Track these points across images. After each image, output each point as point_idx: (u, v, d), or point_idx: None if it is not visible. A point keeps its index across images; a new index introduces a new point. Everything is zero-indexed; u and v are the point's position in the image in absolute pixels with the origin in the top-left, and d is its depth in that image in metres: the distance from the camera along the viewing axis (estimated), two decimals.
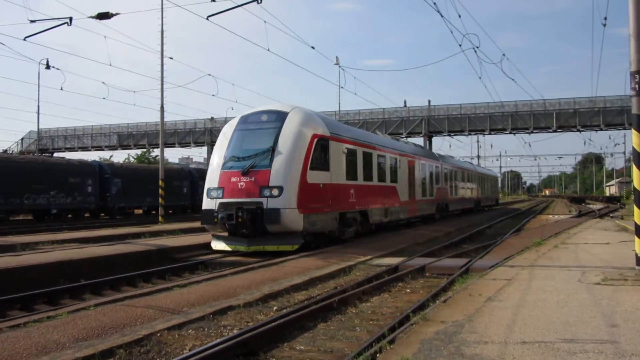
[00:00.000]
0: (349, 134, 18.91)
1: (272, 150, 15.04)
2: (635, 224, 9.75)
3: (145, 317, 7.71)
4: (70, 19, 19.91)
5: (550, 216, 38.32)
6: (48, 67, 38.39)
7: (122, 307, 8.21)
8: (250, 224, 14.48)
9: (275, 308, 8.99)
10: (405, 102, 61.54)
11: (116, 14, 20.93)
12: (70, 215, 35.92)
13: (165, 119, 31.71)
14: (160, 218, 30.12)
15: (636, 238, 9.79)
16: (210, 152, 54.83)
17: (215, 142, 17.38)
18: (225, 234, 15.54)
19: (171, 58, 32.57)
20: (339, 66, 41.76)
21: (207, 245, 16.09)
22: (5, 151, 59.50)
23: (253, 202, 14.62)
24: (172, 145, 66.30)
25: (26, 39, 21.86)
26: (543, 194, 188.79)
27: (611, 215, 36.38)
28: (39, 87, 71.15)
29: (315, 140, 15.79)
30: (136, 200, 40.81)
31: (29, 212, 35.13)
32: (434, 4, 16.58)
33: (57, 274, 12.49)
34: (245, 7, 19.38)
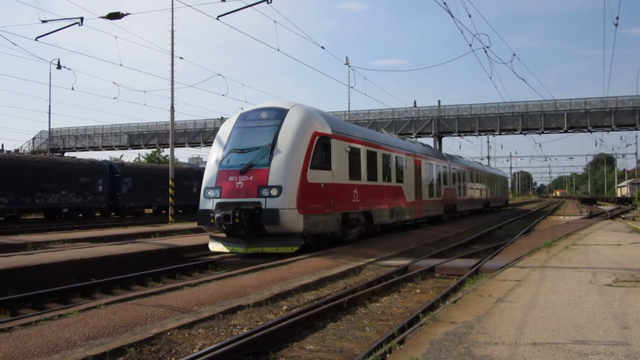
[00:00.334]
0: (352, 133, 18.39)
1: (271, 149, 14.54)
2: None
3: (155, 316, 7.74)
4: (82, 19, 20.01)
5: (561, 217, 38.13)
6: (59, 67, 38.61)
7: (132, 306, 8.24)
8: (248, 224, 13.98)
9: (284, 308, 8.99)
10: (415, 103, 61.40)
11: (127, 14, 21.02)
12: (81, 215, 36.14)
13: (175, 119, 31.81)
14: (170, 217, 30.23)
15: None
16: None
17: None
18: (223, 235, 15.19)
19: (181, 58, 32.64)
20: (349, 66, 41.77)
21: None
22: (17, 151, 59.90)
23: (251, 202, 14.12)
24: (182, 145, 66.43)
25: (38, 39, 22.00)
26: (554, 194, 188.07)
27: (623, 216, 36.18)
28: (50, 87, 71.18)
29: (317, 138, 15.29)
30: (146, 200, 40.99)
31: (40, 211, 35.38)
32: (444, 3, 16.56)
33: (68, 272, 12.58)
34: (256, 7, 19.42)
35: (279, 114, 15.29)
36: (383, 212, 20.51)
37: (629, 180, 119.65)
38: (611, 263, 11.61)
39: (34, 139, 72.44)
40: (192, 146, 68.14)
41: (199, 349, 6.58)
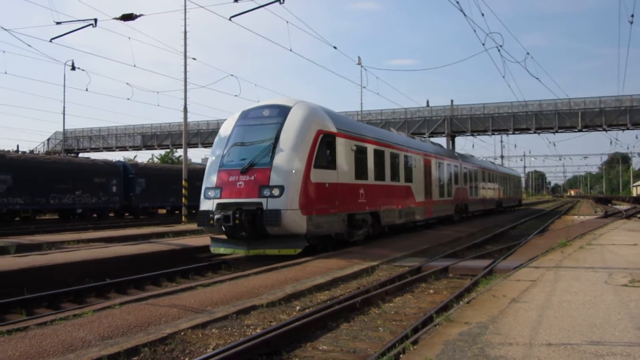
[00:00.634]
0: (358, 131, 17.80)
1: (273, 147, 14.05)
2: None
3: (169, 316, 7.77)
4: (95, 20, 20.12)
5: (576, 217, 37.83)
6: (73, 68, 38.89)
7: (146, 305, 8.29)
8: (249, 226, 13.49)
9: (298, 308, 8.99)
10: (427, 102, 61.24)
11: (140, 16, 21.10)
12: (95, 215, 36.39)
13: (188, 119, 31.96)
14: (183, 218, 30.36)
15: None
16: None
17: None
18: (224, 236, 14.54)
19: (194, 59, 32.92)
20: (361, 66, 41.68)
21: None
22: (31, 151, 60.35)
23: (252, 202, 13.64)
24: (195, 145, 66.65)
25: (52, 40, 22.14)
26: (568, 194, 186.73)
27: (638, 215, 35.82)
28: (64, 88, 71.86)
29: (320, 136, 14.79)
30: (160, 200, 41.18)
31: (55, 212, 35.67)
32: (457, 2, 16.47)
33: (82, 272, 12.67)
34: (268, 8, 19.40)
35: (282, 112, 14.85)
36: (391, 213, 19.99)
37: None
38: (627, 263, 11.51)
39: (48, 139, 73.05)
40: (205, 146, 68.35)
41: (213, 349, 6.60)
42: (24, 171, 30.78)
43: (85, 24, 20.23)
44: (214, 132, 65.58)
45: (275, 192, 13.53)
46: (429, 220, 25.30)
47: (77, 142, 72.44)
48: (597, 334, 5.90)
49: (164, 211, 43.42)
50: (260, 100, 16.31)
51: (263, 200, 13.57)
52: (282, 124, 14.45)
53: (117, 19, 20.94)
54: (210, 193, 14.33)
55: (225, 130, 15.51)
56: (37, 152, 62.21)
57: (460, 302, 8.52)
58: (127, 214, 39.93)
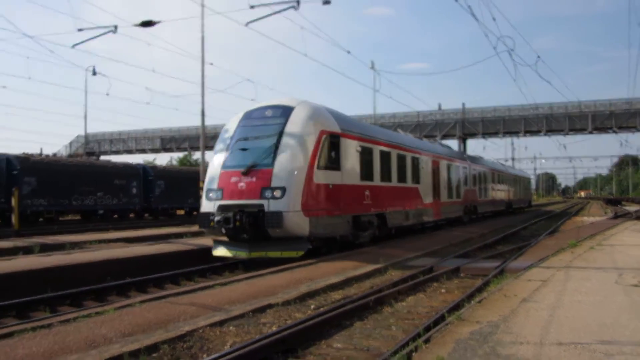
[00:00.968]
0: (363, 131, 17.14)
1: (275, 148, 13.53)
2: None
3: (188, 314, 7.80)
4: (116, 27, 20.31)
5: (586, 218, 37.49)
6: (95, 73, 39.10)
7: (165, 304, 8.34)
8: (250, 228, 13.01)
9: (312, 307, 8.99)
10: (439, 105, 61.11)
11: (159, 22, 21.25)
12: (116, 216, 36.63)
13: (206, 123, 32.01)
14: None
15: None
16: None
17: None
18: (227, 238, 14.11)
19: (211, 64, 33.05)
20: (374, 70, 41.61)
21: None
22: (54, 154, 60.92)
23: (254, 204, 13.11)
24: (212, 148, 66.71)
25: (74, 46, 22.38)
26: (578, 195, 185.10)
27: None
28: (86, 93, 73.04)
29: (324, 137, 14.20)
30: (178, 201, 41.39)
31: (77, 213, 35.94)
32: (469, 7, 16.41)
33: (104, 272, 12.74)
34: (283, 14, 19.46)
35: (284, 112, 14.32)
36: (398, 214, 19.36)
37: None
38: (637, 263, 11.39)
39: (70, 143, 73.71)
40: None
41: (230, 346, 6.62)
42: (48, 174, 31.06)
43: (106, 30, 20.43)
44: None
45: (277, 193, 13.05)
46: (437, 222, 24.81)
47: (99, 145, 73.03)
48: (607, 334, 5.85)
49: (182, 212, 43.60)
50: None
51: (265, 202, 13.08)
52: (284, 125, 13.97)
53: (137, 25, 21.09)
54: (212, 194, 13.88)
55: (228, 130, 15.06)
56: (60, 155, 62.81)
57: (472, 302, 8.48)
58: (146, 215, 40.15)
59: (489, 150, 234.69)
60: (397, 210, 19.29)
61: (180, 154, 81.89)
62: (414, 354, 5.58)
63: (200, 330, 7.15)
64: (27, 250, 15.77)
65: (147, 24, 21.01)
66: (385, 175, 18.34)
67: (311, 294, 9.71)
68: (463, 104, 58.80)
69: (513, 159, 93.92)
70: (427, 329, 7.07)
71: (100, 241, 18.44)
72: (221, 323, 7.55)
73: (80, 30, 20.77)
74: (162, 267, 13.81)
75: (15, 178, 28.99)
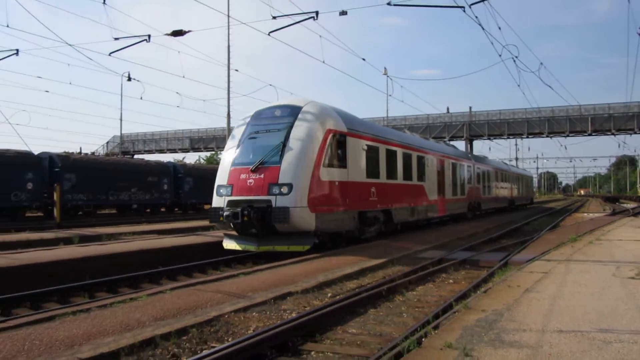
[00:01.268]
0: (370, 131, 16.68)
1: (283, 146, 13.17)
2: None
3: (214, 301, 7.84)
4: (149, 36, 20.41)
5: (585, 214, 37.05)
6: (129, 79, 39.39)
7: (194, 291, 8.39)
8: (258, 223, 12.68)
9: (329, 295, 9.00)
10: (448, 109, 60.70)
11: (188, 32, 21.35)
12: (148, 210, 36.88)
13: (231, 125, 32.18)
14: None
15: None
16: None
17: None
18: (236, 233, 13.84)
19: (237, 70, 33.13)
20: (387, 76, 41.45)
21: None
22: (92, 153, 61.52)
23: (262, 200, 12.81)
24: None
25: (111, 54, 22.54)
26: (578, 193, 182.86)
27: None
28: (121, 97, 73.15)
29: (330, 135, 13.83)
30: (205, 197, 41.18)
31: (113, 207, 36.27)
32: (476, 17, 16.29)
33: (137, 261, 12.86)
34: (303, 24, 19.46)
35: (292, 111, 13.97)
36: (403, 211, 18.85)
37: None
38: (634, 257, 11.24)
39: (107, 143, 74.42)
40: None
41: (253, 330, 6.65)
42: (86, 171, 31.37)
43: (140, 39, 20.53)
44: None
45: (284, 189, 12.72)
46: (442, 218, 24.39)
47: (133, 145, 73.63)
48: (605, 323, 5.79)
49: (209, 207, 43.74)
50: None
51: (272, 198, 12.76)
52: (292, 123, 13.63)
53: (168, 34, 21.22)
54: (222, 190, 13.62)
55: (238, 129, 14.76)
56: (97, 154, 63.42)
57: (478, 292, 8.44)
58: (176, 209, 40.38)
59: (494, 150, 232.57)
60: (403, 206, 18.87)
61: (208, 153, 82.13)
62: (423, 339, 5.57)
63: (226, 316, 7.18)
64: (67, 241, 15.96)
65: (178, 33, 21.13)
66: (391, 172, 17.96)
67: (328, 283, 9.71)
68: (470, 108, 58.53)
69: (517, 158, 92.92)
70: (436, 316, 7.04)
71: (134, 233, 18.60)
72: (245, 309, 7.58)
73: (116, 39, 20.91)
74: (191, 257, 13.88)
75: (57, 175, 29.32)
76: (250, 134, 14.13)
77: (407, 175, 19.45)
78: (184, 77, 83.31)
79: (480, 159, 33.91)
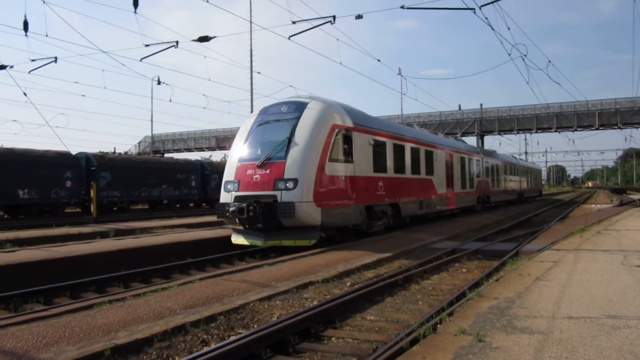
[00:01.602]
0: (376, 126, 16.04)
1: (289, 142, 12.70)
2: None
3: (240, 290, 7.88)
4: (177, 42, 20.49)
5: (593, 205, 36.48)
6: (159, 83, 39.53)
7: (221, 281, 8.43)
8: (264, 218, 12.20)
9: (348, 284, 8.99)
10: (459, 106, 60.12)
11: (214, 37, 21.39)
12: (178, 205, 37.20)
13: None
14: None
15: None
16: None
17: None
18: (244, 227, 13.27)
19: (259, 73, 33.29)
20: (401, 76, 41.23)
21: None
22: (126, 153, 62.18)
23: (268, 195, 12.35)
24: None
25: (142, 60, 22.72)
26: (586, 185, 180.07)
27: None
28: (152, 100, 74.35)
29: (336, 130, 13.33)
30: None
31: (145, 202, 36.61)
32: (486, 18, 16.08)
33: (168, 253, 12.97)
34: (321, 28, 19.39)
35: (298, 108, 13.49)
36: (412, 204, 18.24)
37: None
38: None
39: (139, 142, 75.13)
40: None
41: (277, 318, 6.67)
42: (120, 169, 31.72)
43: (169, 45, 20.63)
44: None
45: (290, 184, 12.24)
46: (453, 211, 23.81)
47: (163, 145, 74.24)
48: (614, 309, 5.69)
49: None
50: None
51: (278, 193, 12.29)
52: (298, 119, 13.14)
53: (194, 40, 21.29)
54: (229, 186, 13.17)
55: (245, 126, 14.25)
56: (130, 154, 64.09)
57: (490, 280, 8.35)
58: (204, 204, 40.63)
59: (505, 145, 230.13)
60: (411, 200, 18.27)
61: None
62: (438, 325, 5.53)
63: (251, 304, 7.22)
64: (103, 235, 16.17)
65: (204, 39, 21.19)
66: (399, 167, 17.38)
67: (347, 273, 9.70)
68: (481, 105, 58.12)
69: (526, 153, 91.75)
70: (450, 304, 7.00)
71: (165, 227, 18.77)
72: (269, 297, 7.61)
73: (147, 45, 21.03)
74: (218, 249, 13.96)
75: (93, 173, 29.71)
76: (257, 130, 13.72)
77: (415, 169, 18.92)
78: (209, 80, 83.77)
79: (489, 153, 33.32)
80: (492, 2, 15.39)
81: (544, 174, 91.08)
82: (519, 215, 25.87)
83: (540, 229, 17.37)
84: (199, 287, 7.87)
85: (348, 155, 13.79)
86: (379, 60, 27.52)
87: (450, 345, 4.52)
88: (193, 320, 6.26)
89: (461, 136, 54.61)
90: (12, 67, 21.20)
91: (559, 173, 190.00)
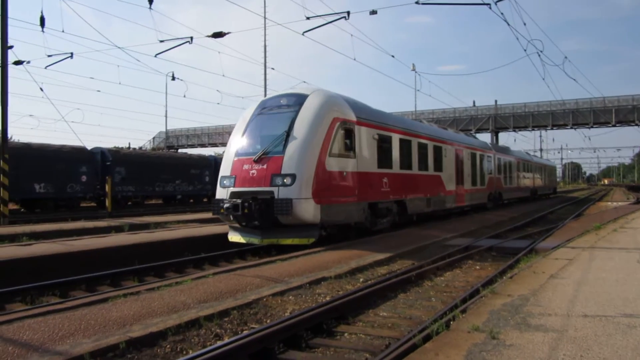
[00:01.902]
0: (382, 120, 15.35)
1: (287, 135, 12.09)
2: None
3: (253, 285, 7.91)
4: (191, 38, 20.61)
5: (609, 203, 36.07)
6: (173, 78, 39.92)
7: (234, 276, 8.46)
8: (260, 215, 11.61)
9: (361, 280, 8.99)
10: (474, 102, 59.75)
11: (228, 33, 21.46)
12: (191, 200, 37.41)
13: None
14: None
15: None
16: None
17: None
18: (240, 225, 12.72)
19: (273, 69, 33.33)
20: (415, 72, 41.02)
21: None
22: (140, 148, 62.64)
23: (264, 191, 11.78)
24: None
25: (157, 55, 22.85)
26: (602, 183, 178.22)
27: None
28: (166, 95, 74.62)
29: (337, 124, 12.67)
30: None
31: (159, 197, 36.91)
32: (502, 14, 15.93)
33: (182, 247, 13.02)
34: (335, 24, 19.36)
35: (298, 100, 12.84)
36: (419, 201, 17.54)
37: None
38: None
39: (153, 138, 75.65)
40: None
41: (290, 313, 6.69)
42: (135, 164, 31.97)
43: (183, 41, 20.75)
44: None
45: (287, 180, 11.66)
46: (463, 208, 23.26)
47: (177, 140, 74.65)
48: (630, 307, 5.63)
49: None
50: None
51: (275, 189, 11.72)
52: (297, 112, 12.50)
53: (209, 36, 21.37)
54: (225, 181, 12.62)
55: (243, 118, 13.65)
56: (144, 149, 64.52)
57: (504, 277, 8.31)
58: None
59: (519, 142, 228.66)
60: (418, 197, 17.58)
61: None
62: (451, 322, 5.51)
63: (264, 299, 7.25)
64: (118, 229, 16.29)
65: (218, 35, 21.26)
66: (405, 163, 16.69)
67: (360, 269, 9.70)
68: (495, 101, 57.77)
69: (541, 149, 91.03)
70: (464, 300, 6.97)
71: (178, 222, 18.86)
72: (282, 293, 7.63)
73: (161, 41, 21.16)
74: (231, 244, 13.96)
75: (108, 168, 29.96)
76: (254, 123, 13.17)
77: (423, 165, 18.30)
78: (223, 75, 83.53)
79: (502, 149, 32.72)
80: None
81: (558, 171, 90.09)
82: (532, 212, 25.66)
83: (555, 227, 17.23)
84: (213, 282, 7.91)
85: (350, 150, 13.22)
86: (393, 56, 27.41)
87: (463, 343, 4.50)
88: (207, 314, 6.30)
89: (475, 132, 54.23)
90: (29, 62, 21.49)
91: (574, 170, 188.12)
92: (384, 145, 15.08)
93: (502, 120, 56.10)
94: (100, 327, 5.67)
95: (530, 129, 58.40)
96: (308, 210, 11.67)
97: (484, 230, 17.02)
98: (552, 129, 56.90)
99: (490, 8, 15.32)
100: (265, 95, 30.48)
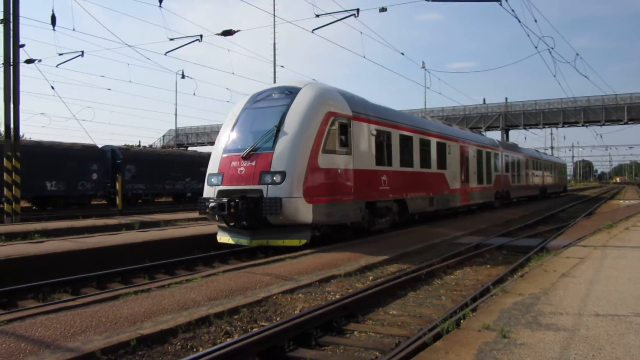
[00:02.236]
0: (380, 115, 14.61)
1: (277, 131, 11.41)
2: None
3: (263, 283, 7.93)
4: (201, 36, 20.63)
5: (621, 201, 35.75)
6: (183, 76, 39.98)
7: (244, 273, 8.48)
8: (248, 214, 11.03)
9: (371, 278, 8.98)
10: (484, 100, 59.42)
11: (238, 31, 21.46)
12: None
13: None
14: None
15: None
16: None
17: None
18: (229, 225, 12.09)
19: (282, 66, 33.17)
20: (425, 69, 40.83)
21: None
22: (150, 146, 62.91)
23: (253, 189, 11.13)
24: None
25: (166, 54, 22.97)
26: (614, 181, 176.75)
27: None
28: (176, 93, 75.00)
29: (331, 119, 11.99)
30: None
31: (169, 195, 37.03)
32: (512, 10, 15.83)
33: (192, 245, 13.07)
34: (344, 21, 19.32)
35: (290, 94, 12.20)
36: (420, 200, 16.84)
37: None
38: None
39: (163, 136, 76.00)
40: None
41: (300, 311, 6.69)
42: (145, 162, 32.11)
43: (193, 39, 20.77)
44: None
45: (277, 178, 10.98)
46: (469, 207, 22.45)
47: (187, 138, 74.91)
48: None
49: None
50: None
51: (264, 187, 11.06)
52: (288, 106, 11.83)
53: (218, 34, 21.39)
54: (213, 179, 12.01)
55: (233, 113, 12.99)
56: (154, 147, 64.82)
57: (515, 276, 8.26)
58: None
59: (530, 140, 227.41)
60: (420, 195, 16.84)
61: None
62: (462, 321, 5.49)
63: (274, 297, 7.26)
64: (129, 227, 16.38)
65: (228, 33, 21.26)
66: (406, 160, 15.98)
67: (370, 267, 9.69)
68: (506, 99, 57.09)
69: (552, 147, 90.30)
70: (474, 299, 6.94)
71: (188, 219, 18.92)
72: (292, 291, 7.64)
73: (171, 39, 21.21)
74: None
75: (118, 166, 30.13)
76: (244, 118, 12.50)
77: (426, 162, 17.57)
78: (233, 73, 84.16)
79: (510, 147, 31.99)
80: None
81: (569, 169, 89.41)
82: (542, 211, 25.48)
83: (566, 225, 17.11)
84: (223, 280, 7.93)
85: (346, 146, 12.56)
86: (402, 54, 27.29)
87: (474, 341, 4.48)
88: (217, 312, 6.32)
89: (485, 130, 54.01)
90: (40, 61, 21.61)
91: (585, 168, 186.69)
92: (382, 142, 14.48)
93: (512, 117, 55.76)
94: (111, 324, 5.71)
95: (541, 127, 58.00)
96: (299, 209, 11.04)
97: (494, 228, 16.93)
98: (563, 126, 56.44)
99: (500, 4, 15.21)
100: None
